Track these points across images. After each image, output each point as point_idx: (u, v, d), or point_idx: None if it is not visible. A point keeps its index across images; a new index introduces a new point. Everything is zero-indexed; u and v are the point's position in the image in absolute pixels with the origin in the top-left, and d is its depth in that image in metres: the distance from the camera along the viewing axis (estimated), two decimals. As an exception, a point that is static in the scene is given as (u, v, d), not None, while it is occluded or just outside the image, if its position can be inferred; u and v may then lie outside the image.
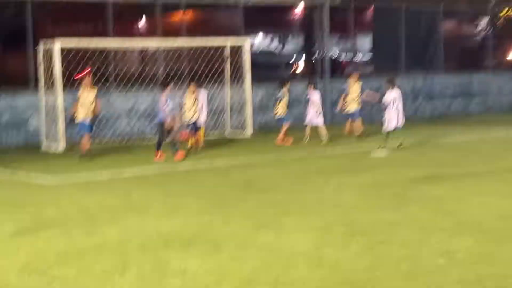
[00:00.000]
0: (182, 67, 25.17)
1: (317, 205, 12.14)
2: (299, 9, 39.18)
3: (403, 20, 30.09)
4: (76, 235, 10.43)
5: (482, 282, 7.68)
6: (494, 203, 11.90)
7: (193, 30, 26.41)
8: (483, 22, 37.29)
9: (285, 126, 21.41)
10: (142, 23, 31.16)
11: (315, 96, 21.63)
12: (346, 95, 22.01)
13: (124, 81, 24.01)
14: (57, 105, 21.06)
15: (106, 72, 23.70)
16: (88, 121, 19.11)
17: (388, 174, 15.23)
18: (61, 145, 21.13)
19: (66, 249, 9.67)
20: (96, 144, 21.96)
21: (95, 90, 19.34)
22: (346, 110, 22.01)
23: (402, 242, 9.46)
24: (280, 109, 21.71)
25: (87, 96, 19.07)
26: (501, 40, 35.04)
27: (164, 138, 18.44)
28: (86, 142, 19.02)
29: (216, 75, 24.27)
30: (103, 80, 22.76)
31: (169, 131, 18.34)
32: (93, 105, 19.09)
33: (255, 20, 28.92)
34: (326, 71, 28.20)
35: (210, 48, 24.23)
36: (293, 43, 46.89)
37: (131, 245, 9.72)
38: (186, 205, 12.51)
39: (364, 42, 38.43)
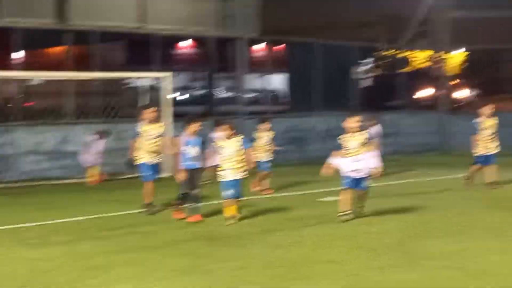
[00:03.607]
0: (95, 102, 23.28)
1: (309, 264, 10.33)
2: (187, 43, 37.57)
3: (320, 58, 29.04)
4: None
5: None
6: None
7: (75, 64, 24.25)
8: (368, 62, 36.95)
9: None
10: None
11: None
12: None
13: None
14: None
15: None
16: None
17: (361, 224, 13.56)
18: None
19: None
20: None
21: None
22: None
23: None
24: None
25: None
26: (410, 79, 34.57)
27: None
28: None
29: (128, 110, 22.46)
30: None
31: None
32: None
33: (140, 55, 27.28)
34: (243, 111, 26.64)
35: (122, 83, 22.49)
36: (182, 80, 45.37)
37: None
38: (157, 262, 10.46)
39: (267, 80, 37.25)
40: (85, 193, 18.91)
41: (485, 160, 18.30)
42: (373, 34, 36.72)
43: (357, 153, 13.40)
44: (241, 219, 13.75)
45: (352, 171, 13.44)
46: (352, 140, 13.47)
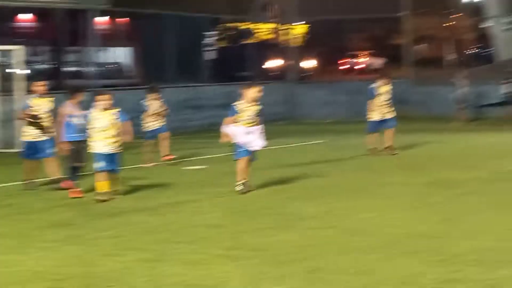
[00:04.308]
0: None
1: (190, 228, 10.54)
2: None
3: (170, 30, 29.07)
4: None
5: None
6: (386, 218, 10.97)
7: None
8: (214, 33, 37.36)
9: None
10: None
11: None
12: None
13: None
14: None
15: None
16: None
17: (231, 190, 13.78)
18: None
19: None
20: None
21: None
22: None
23: (343, 270, 8.18)
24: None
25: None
26: (258, 50, 35.10)
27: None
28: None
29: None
30: None
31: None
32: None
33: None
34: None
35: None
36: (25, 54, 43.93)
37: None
38: (36, 234, 10.32)
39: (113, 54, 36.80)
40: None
41: (380, 124, 18.73)
42: (219, 6, 36.97)
43: (250, 124, 13.25)
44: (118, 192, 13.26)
45: (245, 143, 13.23)
46: (249, 109, 13.27)
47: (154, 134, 18.02)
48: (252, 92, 13.31)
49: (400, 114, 29.69)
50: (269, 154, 19.04)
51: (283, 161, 17.94)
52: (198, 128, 27.73)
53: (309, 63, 39.85)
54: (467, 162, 17.14)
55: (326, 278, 7.88)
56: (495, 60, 38.57)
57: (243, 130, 13.20)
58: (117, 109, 13.09)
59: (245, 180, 13.30)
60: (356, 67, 43.30)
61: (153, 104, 18.19)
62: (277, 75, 35.67)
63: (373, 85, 18.95)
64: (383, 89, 18.83)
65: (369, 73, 36.03)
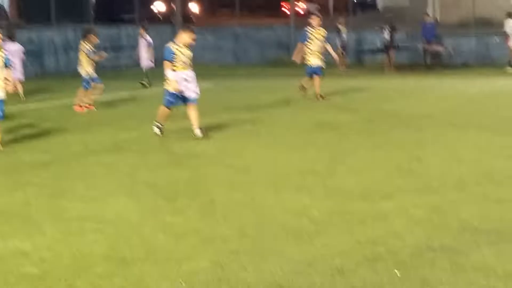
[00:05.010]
0: None
1: (84, 167, 10.75)
2: None
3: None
4: None
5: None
6: (274, 156, 11.39)
7: None
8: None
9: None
10: None
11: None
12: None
13: None
14: None
15: None
16: None
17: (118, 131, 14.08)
18: None
19: None
20: None
21: None
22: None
23: (236, 203, 8.59)
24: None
25: None
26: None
27: None
28: None
29: None
30: None
31: None
32: None
33: None
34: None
35: None
36: None
37: None
38: None
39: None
40: None
41: (313, 70, 18.63)
42: None
43: (185, 69, 12.95)
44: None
45: (182, 86, 12.96)
46: (184, 53, 12.91)
47: None
48: (187, 36, 12.95)
49: (281, 59, 30.45)
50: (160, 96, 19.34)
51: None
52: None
53: (195, 7, 39.93)
54: (350, 105, 17.84)
55: (220, 210, 8.26)
56: (375, 8, 39.60)
57: (180, 76, 12.90)
58: (5, 53, 12.45)
59: (162, 127, 13.18)
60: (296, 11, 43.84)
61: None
62: (164, 18, 35.59)
63: (307, 30, 18.72)
64: (317, 35, 18.66)
65: (304, 17, 36.29)
